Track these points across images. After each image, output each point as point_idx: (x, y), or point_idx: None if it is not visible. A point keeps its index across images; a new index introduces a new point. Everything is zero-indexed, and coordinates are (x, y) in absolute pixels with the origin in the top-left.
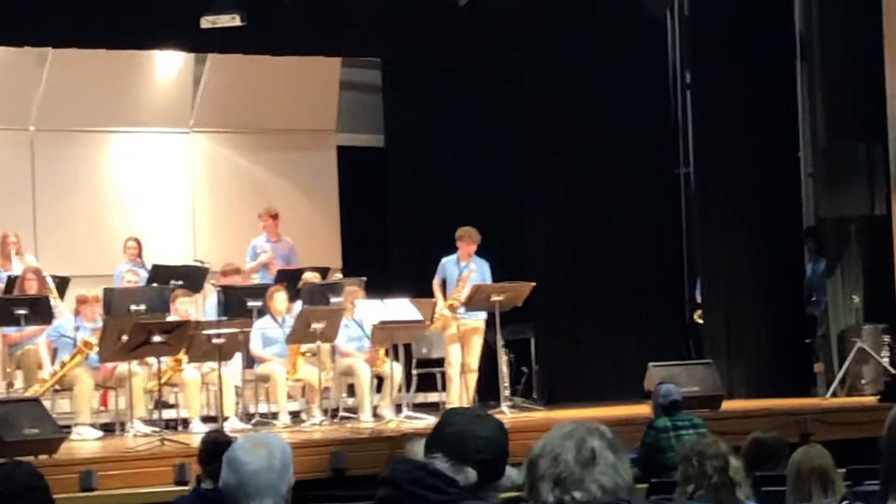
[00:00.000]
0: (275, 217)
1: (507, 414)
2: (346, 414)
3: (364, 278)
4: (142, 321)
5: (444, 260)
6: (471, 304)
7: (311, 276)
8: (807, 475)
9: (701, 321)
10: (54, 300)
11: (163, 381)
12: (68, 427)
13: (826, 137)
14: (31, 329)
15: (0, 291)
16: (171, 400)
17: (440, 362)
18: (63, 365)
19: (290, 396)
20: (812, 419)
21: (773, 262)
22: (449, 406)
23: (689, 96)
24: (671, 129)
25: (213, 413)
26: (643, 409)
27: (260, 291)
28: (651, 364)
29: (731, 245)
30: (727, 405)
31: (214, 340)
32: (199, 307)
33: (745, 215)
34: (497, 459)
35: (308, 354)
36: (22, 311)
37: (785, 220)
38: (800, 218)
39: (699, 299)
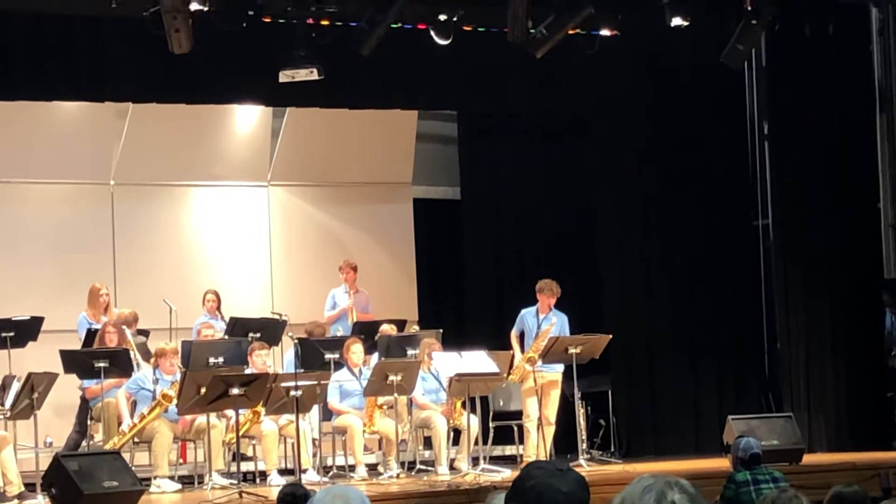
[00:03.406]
0: (355, 269)
1: (584, 467)
2: (424, 467)
3: (440, 330)
4: (220, 374)
5: (524, 311)
6: (548, 356)
7: (387, 329)
8: None
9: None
10: (133, 353)
11: (241, 433)
12: (147, 480)
13: None
14: (109, 382)
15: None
16: (249, 452)
17: (517, 415)
18: (142, 417)
19: (367, 449)
20: (894, 473)
21: (853, 314)
22: (526, 459)
23: (767, 147)
24: (749, 180)
25: (290, 466)
26: (722, 463)
27: (337, 344)
28: (730, 417)
29: (810, 297)
30: (808, 459)
31: (292, 393)
32: (276, 359)
33: (825, 267)
34: None
35: (385, 407)
36: (102, 364)
37: (865, 271)
38: (880, 269)
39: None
